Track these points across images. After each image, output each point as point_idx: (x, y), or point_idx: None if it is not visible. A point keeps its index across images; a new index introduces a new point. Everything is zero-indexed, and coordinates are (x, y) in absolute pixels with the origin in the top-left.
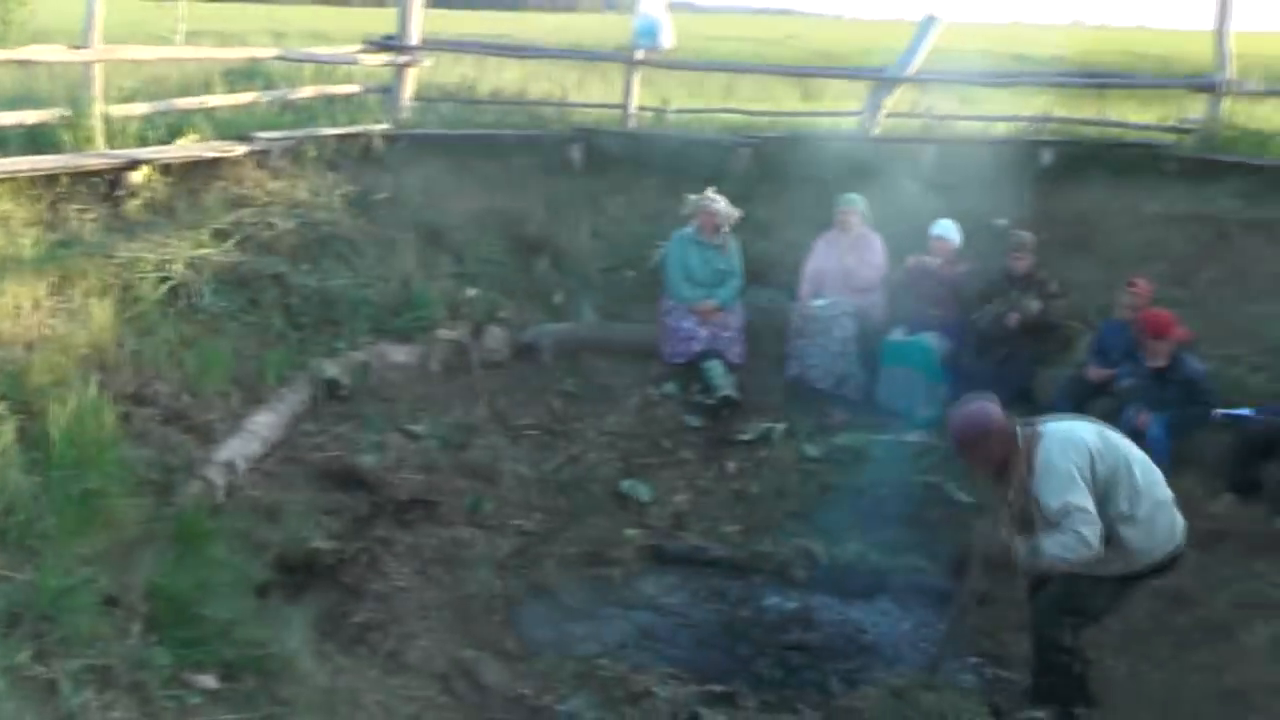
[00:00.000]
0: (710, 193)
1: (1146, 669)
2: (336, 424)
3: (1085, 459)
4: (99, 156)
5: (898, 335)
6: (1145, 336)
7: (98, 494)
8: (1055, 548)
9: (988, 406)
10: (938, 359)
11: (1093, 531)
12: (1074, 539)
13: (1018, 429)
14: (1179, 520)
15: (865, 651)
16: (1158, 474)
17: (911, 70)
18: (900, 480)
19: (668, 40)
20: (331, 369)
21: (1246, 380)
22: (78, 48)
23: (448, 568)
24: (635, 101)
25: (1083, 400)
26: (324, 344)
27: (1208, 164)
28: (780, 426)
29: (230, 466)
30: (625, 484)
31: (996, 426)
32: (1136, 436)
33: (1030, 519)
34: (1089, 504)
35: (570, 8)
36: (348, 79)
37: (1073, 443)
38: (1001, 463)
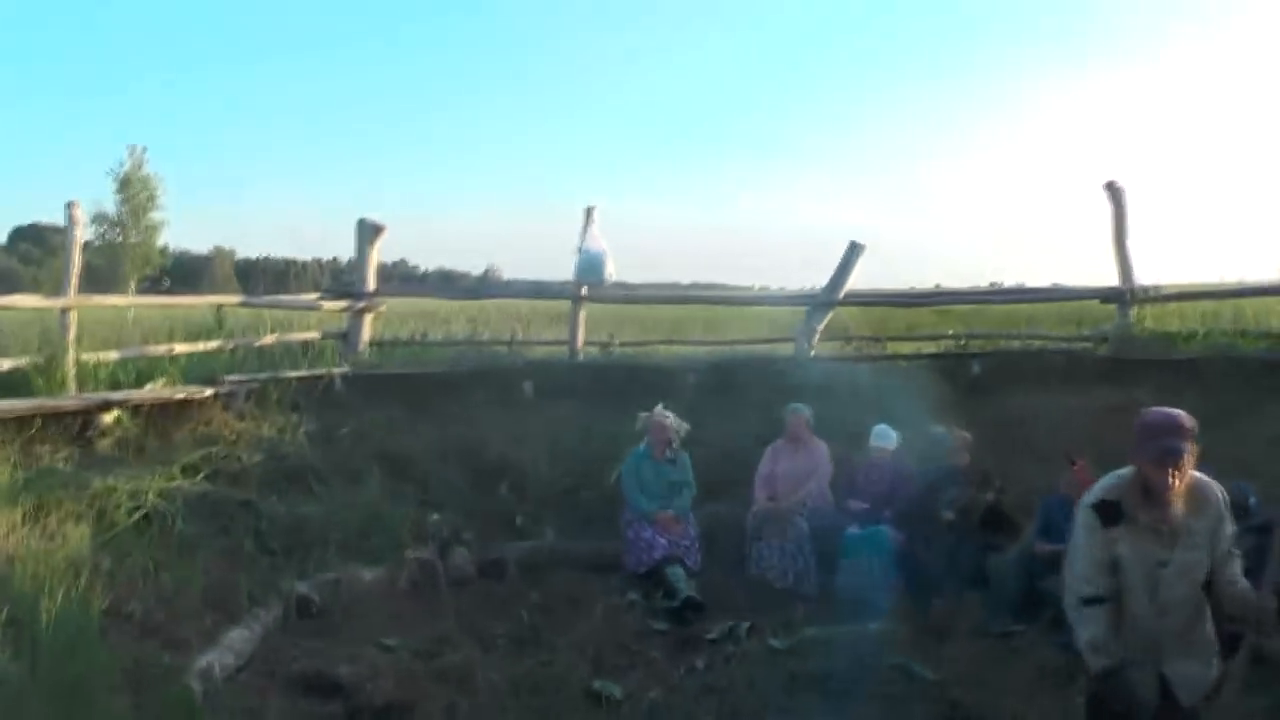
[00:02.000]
0: (660, 408)
1: None
2: (309, 639)
3: None
4: (72, 399)
5: (854, 530)
6: None
7: (82, 684)
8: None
9: None
10: (893, 550)
11: None
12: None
13: None
14: None
15: None
16: None
17: (839, 294)
18: (867, 664)
19: (610, 273)
20: (303, 587)
21: None
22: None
23: None
24: (581, 337)
25: (1035, 576)
26: (294, 566)
27: (1122, 364)
28: (745, 624)
29: (207, 674)
30: (597, 683)
31: None
32: None
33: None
34: None
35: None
36: (305, 326)
37: None
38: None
